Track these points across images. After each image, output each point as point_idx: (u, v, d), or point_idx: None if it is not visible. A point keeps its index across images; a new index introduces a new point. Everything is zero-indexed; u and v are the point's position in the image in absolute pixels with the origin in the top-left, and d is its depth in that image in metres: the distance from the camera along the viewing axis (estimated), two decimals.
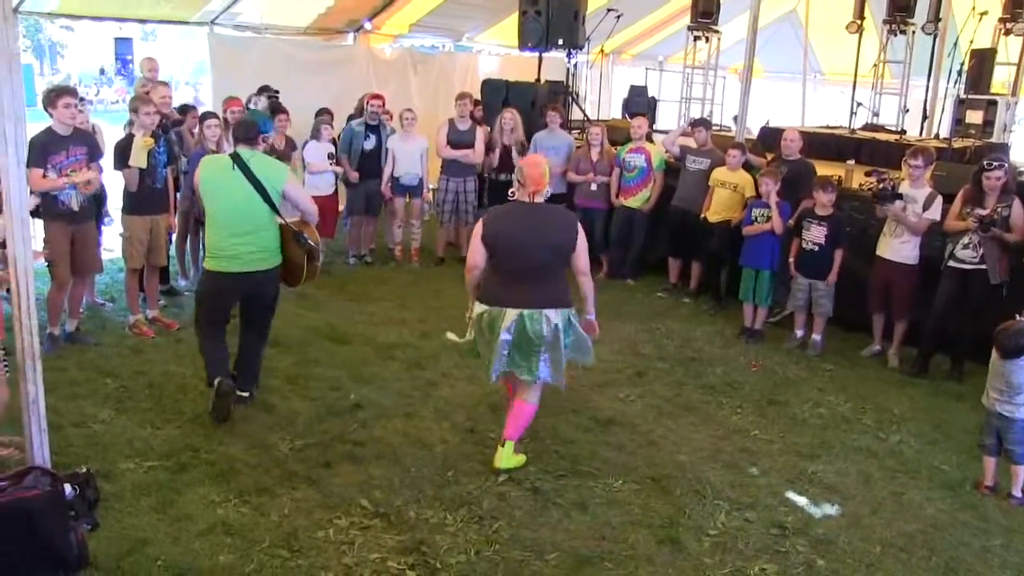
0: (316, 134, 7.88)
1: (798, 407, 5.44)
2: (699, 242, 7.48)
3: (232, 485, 4.08)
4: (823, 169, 7.16)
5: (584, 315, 4.41)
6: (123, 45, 34.11)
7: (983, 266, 5.65)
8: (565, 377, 4.37)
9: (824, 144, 8.99)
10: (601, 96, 13.37)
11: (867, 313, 6.45)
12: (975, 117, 9.33)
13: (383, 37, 11.20)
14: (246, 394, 4.97)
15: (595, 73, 13.48)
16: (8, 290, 3.68)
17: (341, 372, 5.57)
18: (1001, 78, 10.60)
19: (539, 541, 3.77)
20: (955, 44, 10.01)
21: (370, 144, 8.13)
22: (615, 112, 13.28)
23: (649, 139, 8.26)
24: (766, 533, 3.94)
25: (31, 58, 30.72)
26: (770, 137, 8.66)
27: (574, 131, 9.49)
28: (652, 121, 10.53)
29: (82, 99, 5.86)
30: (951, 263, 5.84)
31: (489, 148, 8.36)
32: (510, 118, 8.35)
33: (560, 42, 9.43)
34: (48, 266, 5.52)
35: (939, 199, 6.01)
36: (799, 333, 6.61)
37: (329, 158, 7.87)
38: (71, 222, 5.52)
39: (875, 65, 11.37)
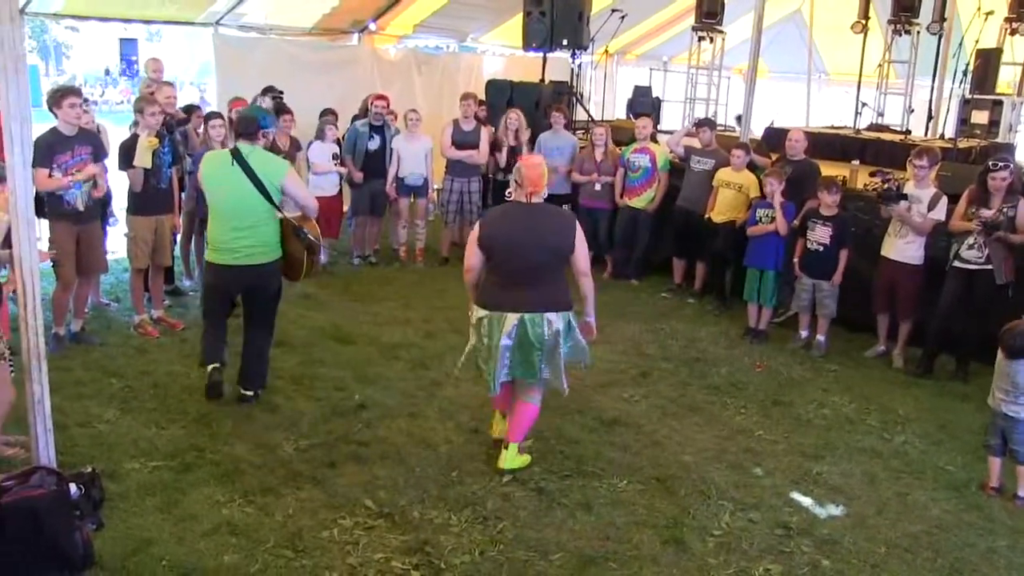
0: (320, 135, 7.88)
1: (802, 408, 5.43)
2: (703, 242, 7.47)
3: (237, 485, 4.08)
4: (828, 169, 7.15)
5: (583, 317, 4.38)
6: (128, 46, 34.15)
7: (988, 266, 5.64)
8: (567, 379, 4.34)
9: (829, 144, 8.97)
10: (605, 96, 13.37)
11: (872, 313, 6.44)
12: (980, 117, 9.33)
13: (387, 38, 11.20)
14: (250, 393, 4.99)
15: (599, 74, 13.48)
16: (14, 291, 3.69)
17: (345, 372, 5.57)
18: (1007, 78, 10.59)
19: (543, 541, 3.77)
20: (960, 44, 10.02)
21: (374, 144, 8.14)
22: (619, 113, 13.28)
23: (653, 139, 8.25)
24: (771, 533, 3.94)
25: (37, 59, 30.79)
26: (774, 137, 8.64)
27: (578, 132, 9.49)
28: (656, 121, 10.52)
29: (86, 100, 5.88)
30: (956, 263, 5.83)
31: (496, 148, 8.35)
32: (515, 118, 8.35)
33: (564, 42, 9.43)
34: (53, 266, 5.53)
35: (944, 199, 5.99)
36: (803, 333, 6.60)
37: (333, 158, 7.88)
38: (76, 222, 5.54)
39: (880, 65, 11.37)
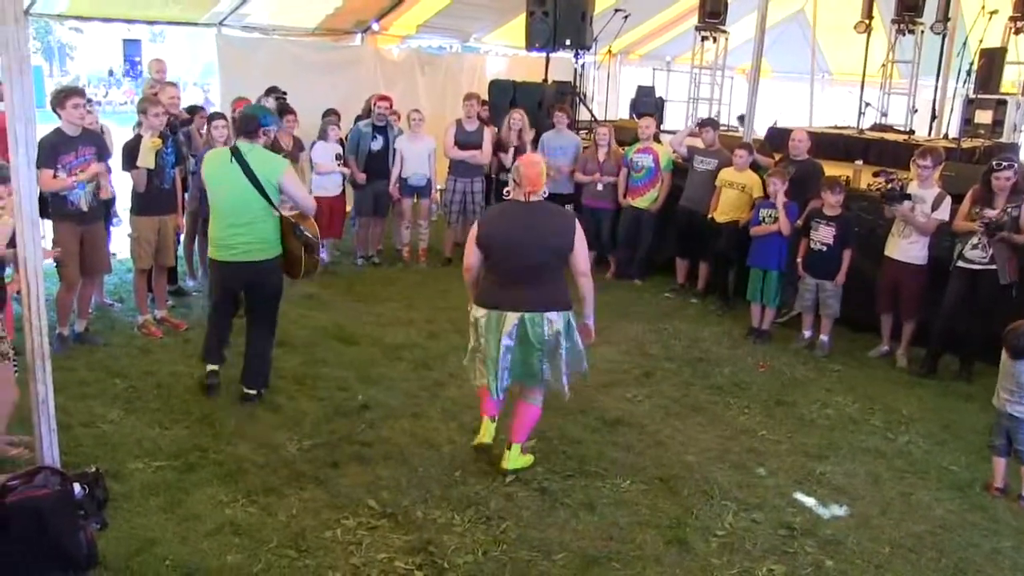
0: (323, 135, 7.90)
1: (806, 408, 5.43)
2: (707, 242, 7.46)
3: (240, 485, 4.09)
4: (831, 169, 7.14)
5: (582, 318, 4.32)
6: (131, 47, 34.21)
7: (992, 266, 5.63)
8: (568, 383, 4.25)
9: (832, 144, 8.97)
10: (608, 96, 13.35)
11: (875, 313, 6.43)
12: (984, 117, 9.31)
13: (391, 38, 11.21)
14: (253, 392, 5.01)
15: (602, 73, 13.47)
16: (18, 291, 3.70)
17: (349, 372, 5.58)
18: (1011, 77, 10.56)
19: (547, 541, 3.77)
20: (964, 43, 9.98)
21: (377, 145, 8.14)
22: (622, 113, 13.28)
23: (656, 139, 8.25)
24: (774, 534, 3.93)
25: (41, 60, 30.84)
26: (778, 137, 8.64)
27: (581, 131, 9.49)
28: (659, 121, 10.51)
29: (89, 100, 5.89)
30: (960, 263, 5.82)
31: (502, 149, 8.35)
32: (519, 119, 8.36)
33: (567, 42, 9.44)
34: (57, 267, 5.54)
35: (948, 199, 5.98)
36: (807, 333, 6.59)
37: (336, 159, 7.89)
38: (80, 222, 5.54)
39: (883, 65, 11.34)
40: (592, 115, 10.71)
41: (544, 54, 9.86)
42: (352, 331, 6.37)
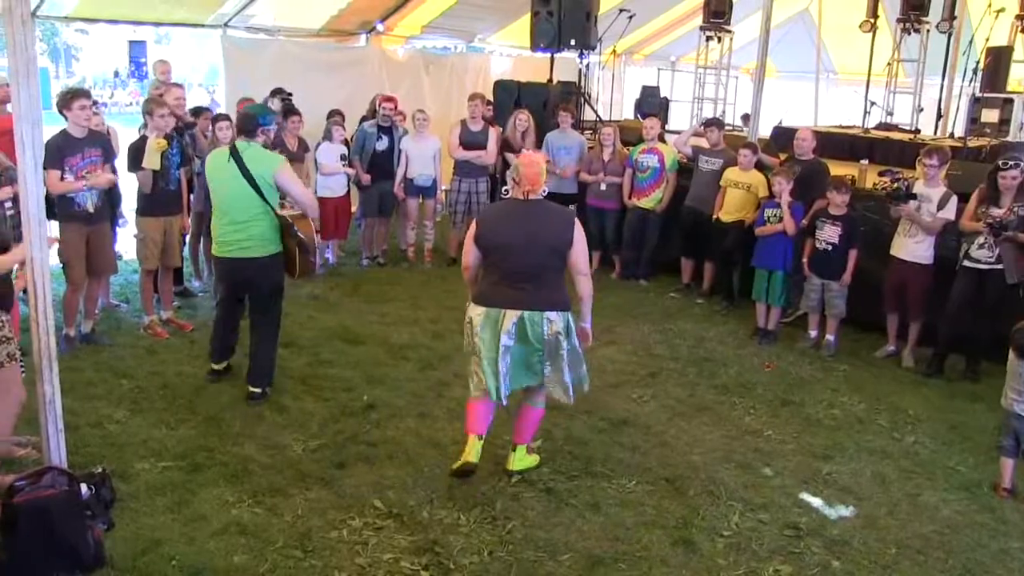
0: (328, 136, 7.90)
1: (812, 408, 5.41)
2: (712, 242, 7.45)
3: (246, 485, 4.10)
4: (836, 169, 7.12)
5: (579, 321, 4.21)
6: (137, 48, 34.35)
7: (999, 266, 5.61)
8: (572, 385, 4.15)
9: (837, 144, 8.95)
10: (613, 96, 13.35)
11: (881, 313, 6.42)
12: (991, 115, 9.28)
13: (395, 39, 11.21)
14: (258, 391, 5.03)
15: (607, 74, 13.48)
16: (25, 291, 3.71)
17: (354, 373, 5.58)
18: (1017, 76, 10.53)
19: (552, 541, 3.77)
20: (971, 42, 9.96)
21: (382, 145, 8.15)
22: (627, 113, 13.28)
23: (661, 139, 8.25)
24: (780, 534, 3.93)
25: (47, 61, 30.97)
26: (783, 137, 8.62)
27: (586, 132, 9.49)
28: (664, 121, 10.52)
29: (96, 102, 5.91)
30: (966, 263, 5.80)
31: (509, 149, 8.34)
32: (524, 119, 8.36)
33: (572, 43, 9.42)
34: (63, 268, 5.56)
35: (954, 198, 5.97)
36: (813, 333, 6.58)
37: (341, 159, 7.90)
38: (87, 223, 5.56)
39: (889, 64, 11.32)
40: (597, 115, 10.70)
41: (549, 54, 9.85)
42: (357, 331, 6.38)
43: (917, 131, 10.21)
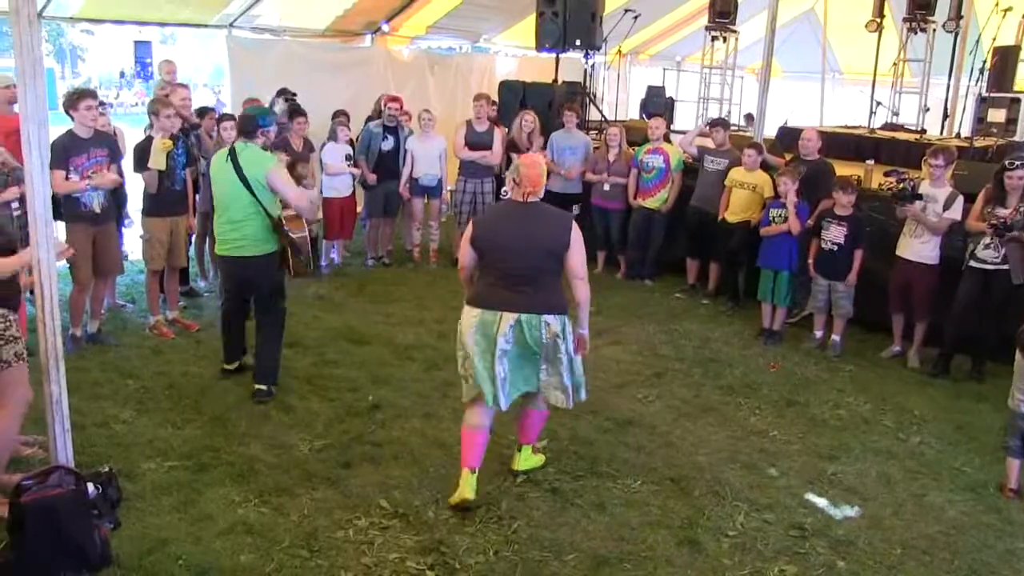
0: (333, 136, 7.91)
1: (817, 408, 5.41)
2: (717, 242, 7.45)
3: (252, 485, 4.11)
4: (842, 169, 7.11)
5: (577, 328, 4.09)
6: (142, 48, 34.37)
7: (1005, 266, 5.59)
8: (571, 388, 4.08)
9: (843, 144, 8.92)
10: (619, 97, 13.35)
11: (887, 313, 6.40)
12: (997, 115, 9.26)
13: (400, 39, 11.23)
14: (263, 388, 5.06)
15: (612, 74, 13.46)
16: (31, 291, 3.73)
17: (360, 373, 5.59)
18: None
19: (558, 541, 3.77)
20: (977, 41, 9.93)
21: (388, 145, 8.16)
22: (632, 113, 13.27)
23: (667, 140, 8.24)
24: (785, 534, 3.92)
25: (53, 62, 31.05)
26: (788, 137, 8.61)
27: (591, 132, 9.48)
28: (670, 121, 10.50)
29: (102, 102, 5.93)
30: (972, 263, 5.78)
31: (515, 149, 8.33)
32: (530, 120, 8.36)
33: (577, 43, 9.42)
34: (69, 268, 5.58)
35: (960, 199, 5.95)
36: (818, 334, 6.57)
37: (347, 159, 7.91)
38: (93, 224, 5.58)
39: (895, 64, 11.29)
40: (602, 115, 10.69)
41: (554, 55, 9.85)
42: (363, 332, 6.39)
43: (923, 131, 10.18)
